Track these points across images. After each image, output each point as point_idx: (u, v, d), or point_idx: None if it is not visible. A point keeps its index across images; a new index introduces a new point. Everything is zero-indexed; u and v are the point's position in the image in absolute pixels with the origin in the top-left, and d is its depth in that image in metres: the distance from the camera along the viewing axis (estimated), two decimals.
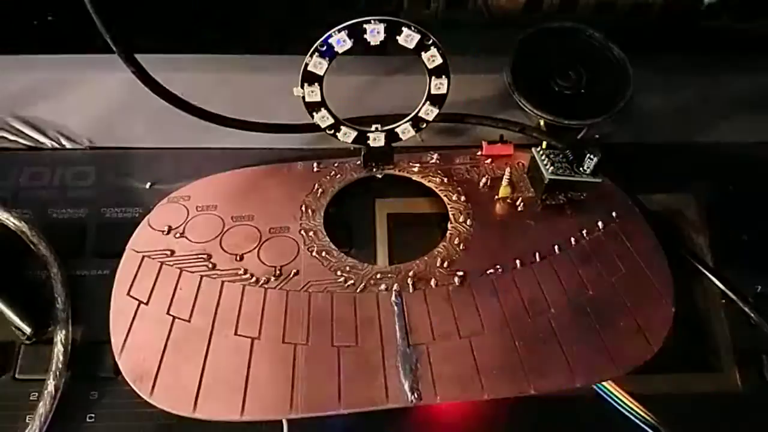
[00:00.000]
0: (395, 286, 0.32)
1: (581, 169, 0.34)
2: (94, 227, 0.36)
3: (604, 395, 0.30)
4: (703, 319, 0.34)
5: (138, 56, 0.31)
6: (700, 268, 0.35)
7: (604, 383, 0.30)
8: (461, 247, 0.34)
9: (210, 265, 0.33)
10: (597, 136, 0.39)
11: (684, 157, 0.39)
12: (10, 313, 0.32)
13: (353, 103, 0.39)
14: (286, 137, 0.38)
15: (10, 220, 0.34)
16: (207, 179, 0.36)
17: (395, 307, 0.31)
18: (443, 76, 0.33)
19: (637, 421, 0.30)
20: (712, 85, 0.42)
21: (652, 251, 0.33)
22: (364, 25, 0.30)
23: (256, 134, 0.37)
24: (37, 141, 0.38)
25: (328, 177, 0.37)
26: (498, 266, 0.33)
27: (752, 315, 0.33)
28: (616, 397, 0.30)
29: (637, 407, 0.30)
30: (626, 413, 0.30)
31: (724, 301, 0.34)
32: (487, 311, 0.31)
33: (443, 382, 0.29)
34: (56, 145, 0.38)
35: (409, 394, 0.28)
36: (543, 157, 0.35)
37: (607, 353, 0.30)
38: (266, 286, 0.32)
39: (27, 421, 0.30)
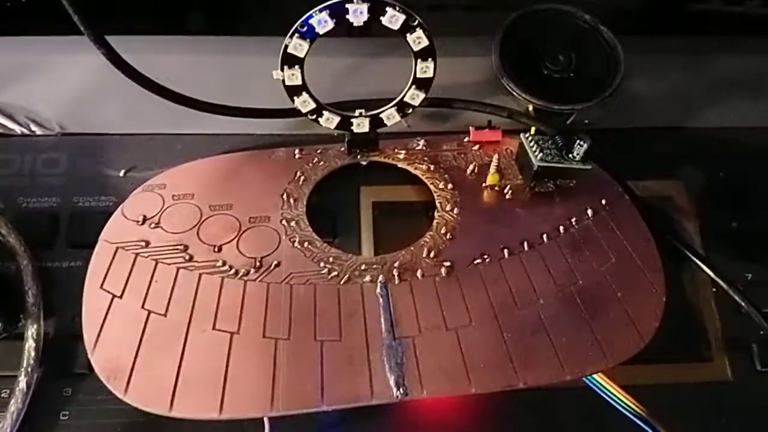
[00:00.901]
0: (380, 278, 0.31)
1: (571, 155, 0.33)
2: (65, 217, 0.34)
3: (593, 386, 0.30)
4: (693, 308, 0.34)
5: (110, 38, 0.30)
6: (690, 256, 0.34)
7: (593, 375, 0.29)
8: (448, 237, 0.33)
9: (187, 257, 0.31)
10: (586, 121, 0.38)
11: (674, 142, 0.38)
12: None
13: (336, 87, 0.38)
14: (266, 122, 0.36)
15: None
16: (183, 167, 0.35)
17: (380, 299, 0.30)
18: (429, 59, 0.31)
19: (627, 413, 0.29)
20: (702, 69, 0.41)
21: (642, 240, 0.33)
22: (347, 5, 0.29)
23: (234, 119, 0.35)
24: (6, 127, 0.37)
25: (310, 164, 0.35)
26: (486, 256, 0.32)
27: (743, 303, 0.33)
28: (606, 388, 0.30)
29: (627, 398, 0.29)
30: (616, 404, 0.29)
31: (714, 289, 0.34)
32: (474, 302, 0.30)
33: (430, 376, 0.28)
34: (26, 131, 0.37)
35: (394, 389, 0.27)
36: (532, 144, 0.34)
37: (597, 344, 0.29)
38: (246, 278, 0.31)
39: None
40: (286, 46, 0.30)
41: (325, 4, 0.29)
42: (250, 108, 0.35)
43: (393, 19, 0.29)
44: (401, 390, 0.27)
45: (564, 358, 0.29)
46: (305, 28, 0.29)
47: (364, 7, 0.29)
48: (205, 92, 0.34)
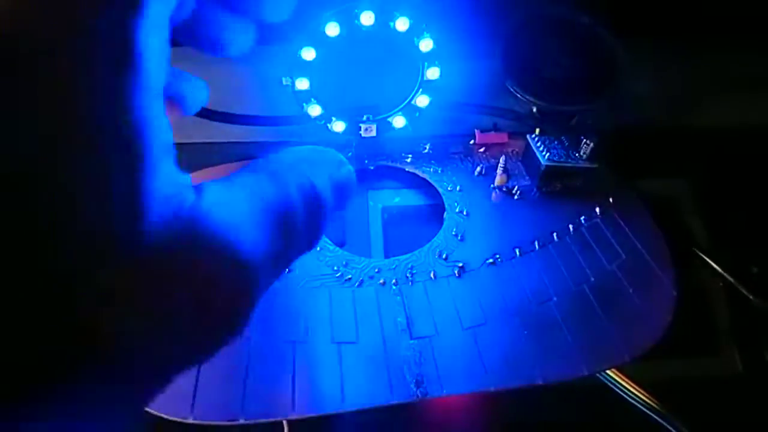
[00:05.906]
0: (394, 280, 0.31)
1: (577, 155, 0.34)
2: None
3: (607, 381, 0.30)
4: (701, 302, 0.34)
5: None
6: (697, 251, 0.34)
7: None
8: (459, 238, 0.33)
9: None
10: (589, 121, 0.38)
11: (678, 140, 0.39)
12: None
13: (343, 92, 0.38)
14: (273, 129, 0.37)
15: None
16: (194, 175, 0.35)
17: (395, 301, 0.30)
18: (436, 63, 0.32)
19: (640, 406, 0.30)
20: (704, 68, 0.42)
21: (651, 236, 0.33)
22: (356, 10, 0.29)
23: (243, 127, 0.35)
24: None
25: None
26: (497, 256, 0.32)
27: (750, 296, 0.33)
28: (618, 383, 0.30)
29: (640, 392, 0.30)
30: (629, 399, 0.30)
31: (721, 283, 0.34)
32: (489, 302, 0.30)
33: (448, 375, 0.28)
34: None
35: (414, 388, 0.27)
36: (539, 144, 0.34)
37: (611, 340, 0.29)
38: None
39: None
40: (295, 53, 0.30)
41: (333, 11, 0.29)
42: (258, 116, 0.35)
43: (401, 23, 0.30)
44: (420, 389, 0.27)
45: (580, 354, 0.29)
46: (314, 34, 0.30)
47: (373, 11, 0.29)
48: (214, 101, 0.34)
